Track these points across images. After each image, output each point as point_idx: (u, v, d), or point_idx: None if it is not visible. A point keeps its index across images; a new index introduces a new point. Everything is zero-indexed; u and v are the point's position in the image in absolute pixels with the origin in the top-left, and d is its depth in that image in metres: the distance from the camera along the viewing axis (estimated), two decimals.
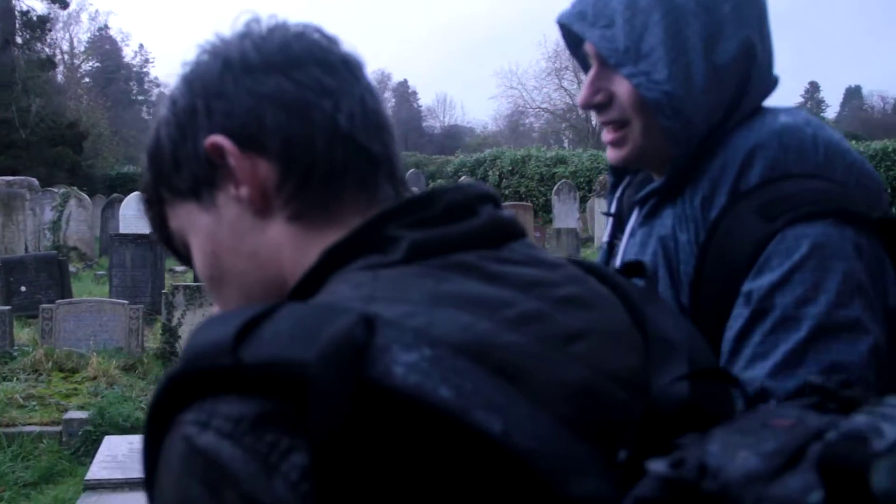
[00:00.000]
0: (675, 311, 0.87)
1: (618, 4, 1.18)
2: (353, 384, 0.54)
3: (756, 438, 0.54)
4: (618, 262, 1.29)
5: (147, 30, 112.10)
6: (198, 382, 0.59)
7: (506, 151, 27.85)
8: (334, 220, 0.75)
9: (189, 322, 7.88)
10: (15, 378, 6.89)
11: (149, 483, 0.63)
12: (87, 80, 46.80)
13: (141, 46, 68.94)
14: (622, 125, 1.23)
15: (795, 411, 0.59)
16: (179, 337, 7.85)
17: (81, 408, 6.21)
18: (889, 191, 16.48)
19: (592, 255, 14.03)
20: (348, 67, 0.78)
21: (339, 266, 0.70)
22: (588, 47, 1.23)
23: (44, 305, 8.03)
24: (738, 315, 1.08)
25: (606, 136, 1.26)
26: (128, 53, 60.59)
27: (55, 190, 18.52)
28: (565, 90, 42.95)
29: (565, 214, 19.30)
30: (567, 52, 1.35)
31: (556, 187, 20.70)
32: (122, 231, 13.35)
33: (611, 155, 1.28)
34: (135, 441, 5.12)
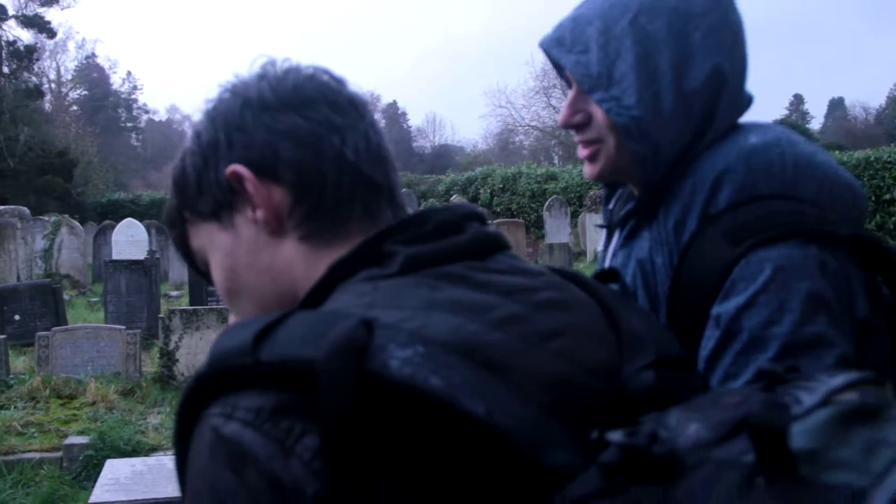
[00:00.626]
0: (646, 311, 0.93)
1: (593, 31, 1.21)
2: (356, 377, 0.62)
3: (706, 413, 0.62)
4: None
5: (134, 57, 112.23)
6: (221, 380, 0.67)
7: (496, 169, 27.93)
8: (341, 239, 0.83)
9: (186, 345, 7.86)
10: (12, 406, 6.87)
11: (180, 472, 0.70)
12: (75, 108, 46.81)
13: (129, 74, 69.71)
14: (596, 142, 1.26)
15: (744, 392, 0.67)
16: (177, 360, 7.84)
17: (81, 433, 6.19)
18: (872, 199, 16.53)
19: (586, 268, 14.07)
20: (354, 106, 0.86)
21: (343, 278, 0.78)
22: (567, 71, 1.26)
23: (40, 333, 8.01)
24: (710, 336, 1.12)
25: (581, 152, 1.30)
26: (115, 81, 60.82)
27: (46, 218, 18.49)
28: (553, 108, 43.07)
29: (557, 230, 19.35)
30: (554, 70, 1.39)
31: (547, 203, 20.78)
32: (115, 257, 13.31)
33: (587, 170, 1.32)
34: (137, 463, 5.13)
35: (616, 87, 1.19)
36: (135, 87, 62.86)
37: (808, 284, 1.09)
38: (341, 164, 0.83)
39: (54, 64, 45.44)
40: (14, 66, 31.65)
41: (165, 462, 5.12)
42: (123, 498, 4.59)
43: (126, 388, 7.44)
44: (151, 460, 5.30)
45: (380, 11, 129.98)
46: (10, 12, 32.48)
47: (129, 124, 61.31)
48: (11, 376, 7.64)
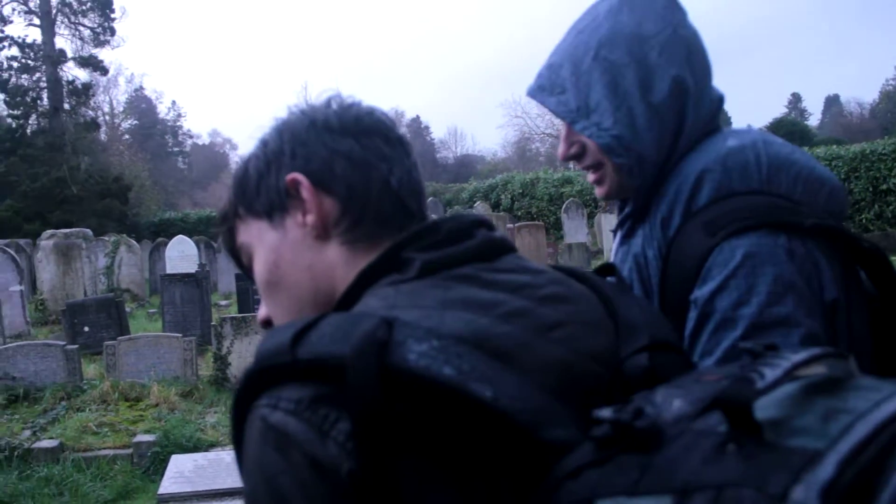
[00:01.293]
0: (641, 299, 0.95)
1: (566, 72, 1.28)
2: (379, 369, 0.65)
3: (689, 390, 0.64)
4: None
5: (178, 87, 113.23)
6: (266, 376, 0.71)
7: (515, 176, 27.70)
8: (376, 249, 0.86)
9: (237, 350, 7.86)
10: (87, 409, 6.96)
11: (238, 455, 0.74)
12: (127, 136, 46.96)
13: (173, 103, 69.53)
14: (598, 167, 1.31)
15: (724, 369, 0.68)
16: (229, 364, 7.84)
17: (148, 432, 6.28)
18: (870, 190, 16.22)
19: None
20: (402, 144, 0.91)
21: (370, 284, 0.82)
22: (552, 111, 1.33)
23: (107, 342, 8.07)
24: (690, 319, 1.16)
25: (590, 178, 1.35)
26: (162, 110, 60.60)
27: (107, 238, 18.55)
28: None
29: (575, 230, 19.18)
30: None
31: (564, 206, 20.60)
32: (168, 271, 13.25)
33: (597, 192, 1.37)
34: (198, 458, 5.21)
35: (594, 115, 1.25)
36: (179, 115, 62.87)
37: (776, 269, 1.12)
38: (386, 188, 0.87)
39: (108, 98, 45.73)
40: (73, 103, 31.98)
41: (224, 456, 5.20)
42: (188, 489, 4.69)
43: (185, 391, 7.48)
44: (211, 455, 5.38)
45: (398, 34, 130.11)
46: (69, 55, 32.93)
47: (175, 149, 61.05)
48: (84, 382, 7.72)
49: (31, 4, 32.62)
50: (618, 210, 1.51)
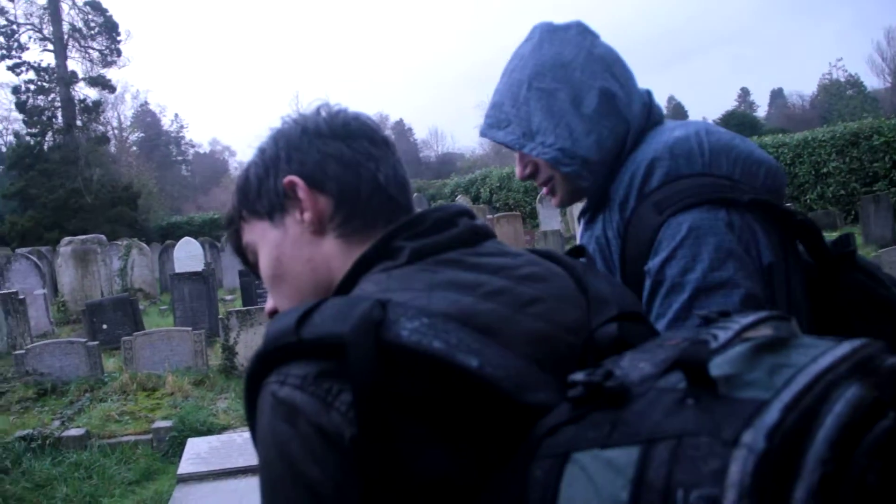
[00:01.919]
0: (609, 276, 0.97)
1: (507, 108, 1.35)
2: (375, 345, 0.66)
3: (653, 354, 0.65)
4: None
5: (180, 101, 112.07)
6: (274, 356, 0.71)
7: (493, 171, 27.58)
8: (368, 240, 0.86)
9: (243, 340, 7.84)
10: (109, 399, 6.97)
11: (252, 429, 0.75)
12: (134, 148, 46.43)
13: (176, 115, 69.11)
14: (550, 180, 1.39)
15: (683, 334, 0.69)
16: (236, 353, 7.83)
17: (165, 418, 6.29)
18: (812, 174, 16.35)
19: None
20: (387, 144, 0.92)
21: (365, 271, 0.82)
22: (504, 143, 1.39)
23: (124, 338, 8.06)
24: (645, 287, 1.20)
25: (544, 191, 1.43)
26: (165, 122, 59.80)
27: (119, 243, 18.38)
28: None
29: (549, 219, 19.11)
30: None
31: (539, 196, 20.53)
32: (177, 271, 13.19)
33: (552, 203, 1.45)
34: (212, 441, 5.23)
35: (538, 136, 1.32)
36: (181, 126, 62.17)
37: (717, 239, 1.17)
38: (374, 184, 0.88)
39: (116, 114, 45.06)
40: (85, 120, 31.60)
41: (235, 438, 5.21)
42: (204, 469, 4.71)
43: (197, 379, 7.47)
44: (224, 437, 5.40)
45: (382, 45, 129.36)
46: (80, 76, 32.58)
47: (179, 158, 60.38)
48: (105, 375, 7.72)
49: (45, 32, 32.18)
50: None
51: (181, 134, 62.05)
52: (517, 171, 1.43)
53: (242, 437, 5.22)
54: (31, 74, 31.98)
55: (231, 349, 7.89)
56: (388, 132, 0.95)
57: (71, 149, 29.72)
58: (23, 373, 7.62)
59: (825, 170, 18.08)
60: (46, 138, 31.02)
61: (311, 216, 0.87)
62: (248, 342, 7.87)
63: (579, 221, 1.48)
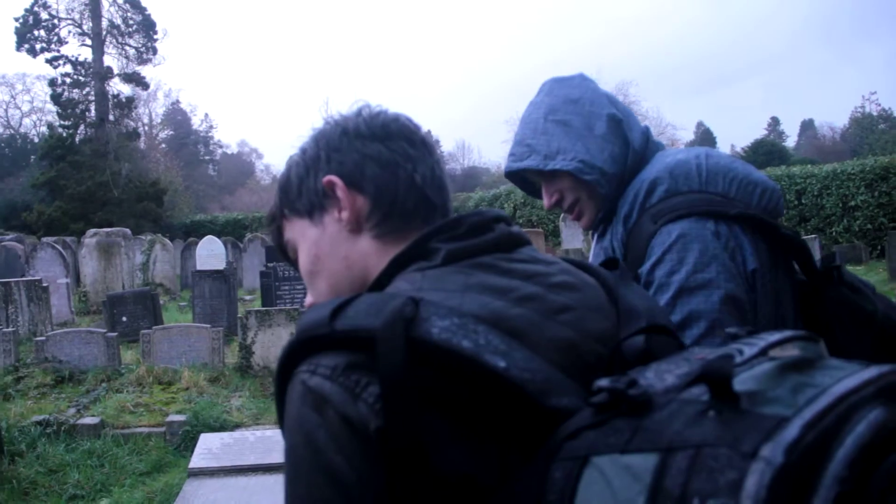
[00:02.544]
0: (641, 290, 0.99)
1: (529, 139, 1.52)
2: (405, 341, 0.67)
3: (677, 366, 0.66)
4: None
5: (210, 101, 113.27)
6: (307, 346, 0.73)
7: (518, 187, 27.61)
8: (403, 240, 0.88)
9: (261, 340, 7.87)
10: (125, 390, 7.03)
11: (280, 415, 0.77)
12: (163, 145, 46.95)
13: (206, 115, 69.55)
14: (576, 204, 1.55)
15: (709, 349, 0.70)
16: (253, 353, 7.85)
17: (179, 412, 6.32)
18: (840, 206, 16.12)
19: None
20: (425, 145, 0.93)
21: (400, 269, 0.84)
22: (531, 174, 1.57)
23: (143, 331, 8.13)
24: None
25: (571, 217, 1.59)
26: (195, 122, 60.31)
27: (143, 237, 18.65)
28: None
29: (571, 237, 19.09)
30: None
31: (562, 215, 20.56)
32: (198, 268, 13.28)
33: (581, 225, 1.59)
34: (224, 437, 5.27)
35: (560, 155, 1.49)
36: (211, 127, 62.45)
37: (702, 245, 1.31)
38: (410, 185, 0.89)
39: (147, 111, 45.71)
40: (117, 115, 32.19)
41: (248, 436, 5.25)
42: (215, 464, 4.76)
43: (212, 376, 7.52)
44: (236, 434, 5.43)
45: (410, 54, 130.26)
46: (115, 72, 33.19)
47: (206, 157, 60.57)
48: (122, 366, 7.79)
49: (85, 27, 32.91)
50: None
51: (210, 134, 62.55)
52: (545, 201, 1.59)
53: (255, 435, 5.25)
54: (68, 68, 32.69)
55: (248, 348, 7.92)
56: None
57: (102, 142, 30.31)
58: (42, 359, 7.72)
59: (853, 203, 17.86)
60: (79, 131, 31.62)
61: (348, 215, 0.89)
62: (266, 343, 7.91)
63: (593, 236, 1.63)
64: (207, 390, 7.10)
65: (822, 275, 1.39)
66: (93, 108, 32.02)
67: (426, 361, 0.67)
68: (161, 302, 12.03)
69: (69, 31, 33.23)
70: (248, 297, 15.07)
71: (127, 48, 34.48)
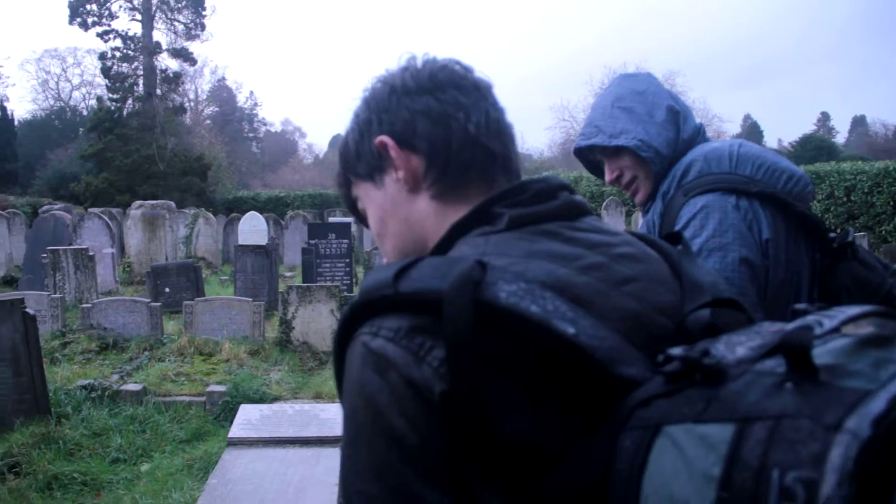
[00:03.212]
0: (704, 264, 0.97)
1: (597, 121, 1.76)
2: (472, 304, 0.66)
3: (749, 338, 0.65)
4: None
5: (256, 79, 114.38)
6: (369, 307, 0.73)
7: (560, 174, 27.28)
8: (463, 200, 0.86)
9: (301, 316, 7.96)
10: (167, 359, 7.21)
11: (338, 378, 0.76)
12: (208, 121, 47.48)
13: (251, 93, 70.14)
14: (633, 181, 1.76)
15: (782, 324, 0.68)
16: (293, 328, 7.95)
17: (219, 383, 6.44)
18: (891, 205, 15.66)
19: None
20: (478, 88, 0.89)
21: (462, 234, 0.82)
22: (596, 151, 1.79)
23: (186, 302, 8.29)
24: None
25: (629, 194, 1.80)
26: (240, 99, 60.72)
27: (187, 211, 18.99)
28: None
29: (614, 225, 18.97)
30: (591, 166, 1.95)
31: (604, 203, 20.37)
32: (240, 243, 13.51)
33: (637, 199, 1.81)
34: (263, 409, 5.32)
35: (623, 135, 1.73)
36: (255, 104, 62.82)
37: (721, 215, 1.55)
38: (465, 136, 0.86)
39: (194, 86, 46.25)
40: (165, 90, 32.63)
41: (286, 409, 5.29)
42: (254, 435, 4.80)
43: (253, 349, 7.63)
44: (275, 406, 5.48)
45: (454, 39, 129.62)
46: (164, 47, 33.66)
47: (250, 135, 61.21)
48: (165, 336, 7.98)
49: (136, 2, 33.34)
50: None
51: (254, 111, 63.09)
52: (606, 176, 1.81)
53: (293, 408, 5.29)
54: (118, 42, 33.22)
55: (288, 323, 8.02)
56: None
57: (149, 116, 30.76)
58: (87, 326, 7.93)
59: None
60: (127, 105, 32.14)
61: (404, 174, 0.88)
62: (306, 318, 8.00)
63: (643, 214, 1.85)
64: (247, 363, 7.22)
65: (836, 251, 1.58)
66: (141, 82, 32.56)
67: (493, 326, 0.66)
68: (203, 275, 12.21)
69: (120, 6, 33.72)
70: (288, 274, 15.24)
71: (176, 24, 34.90)
